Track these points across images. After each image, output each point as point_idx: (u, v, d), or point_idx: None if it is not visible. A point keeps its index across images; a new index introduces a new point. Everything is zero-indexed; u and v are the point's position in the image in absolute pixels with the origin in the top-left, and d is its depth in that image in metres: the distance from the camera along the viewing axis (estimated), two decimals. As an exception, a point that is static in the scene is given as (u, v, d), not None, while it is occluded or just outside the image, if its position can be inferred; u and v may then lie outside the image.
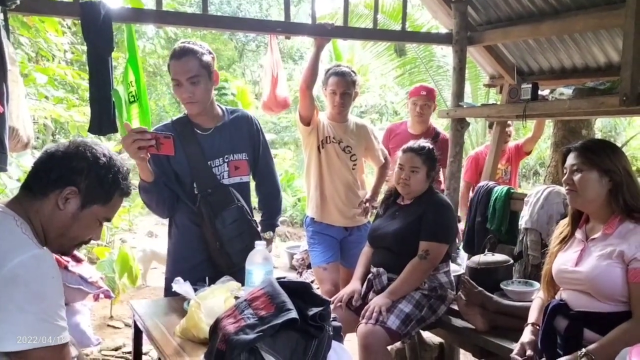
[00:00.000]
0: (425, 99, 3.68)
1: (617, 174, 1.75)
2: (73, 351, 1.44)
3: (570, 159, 1.84)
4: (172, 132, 2.20)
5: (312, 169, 3.18)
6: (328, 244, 3.17)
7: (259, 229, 2.41)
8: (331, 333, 1.49)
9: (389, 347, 2.49)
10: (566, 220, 1.94)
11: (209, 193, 2.27)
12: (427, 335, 3.15)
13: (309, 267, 5.24)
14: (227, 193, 2.29)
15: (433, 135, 3.72)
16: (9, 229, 1.29)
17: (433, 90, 3.81)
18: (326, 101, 3.20)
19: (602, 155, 1.78)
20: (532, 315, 1.99)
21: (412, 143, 2.65)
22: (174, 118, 2.40)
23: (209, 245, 2.28)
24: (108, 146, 1.76)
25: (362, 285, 2.63)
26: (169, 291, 2.37)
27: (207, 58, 2.23)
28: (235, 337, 1.36)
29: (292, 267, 5.78)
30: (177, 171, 2.27)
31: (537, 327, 1.91)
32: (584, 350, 1.64)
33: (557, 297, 1.89)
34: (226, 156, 2.32)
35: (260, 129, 2.47)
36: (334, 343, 1.52)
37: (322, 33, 3.16)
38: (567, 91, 2.74)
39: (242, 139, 2.38)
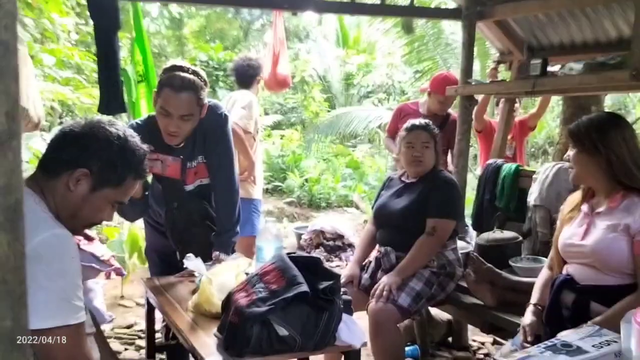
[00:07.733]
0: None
1: (601, 155, 1.75)
2: (87, 329, 1.46)
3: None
4: (148, 129, 2.11)
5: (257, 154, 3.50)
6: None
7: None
8: (341, 306, 1.51)
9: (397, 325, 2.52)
10: (579, 192, 1.94)
11: (175, 207, 2.26)
12: (436, 312, 3.17)
13: (317, 247, 5.27)
14: (191, 212, 2.26)
15: (444, 115, 3.68)
16: (28, 208, 1.29)
17: (452, 78, 3.62)
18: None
19: (584, 136, 1.80)
20: (534, 296, 1.96)
21: (415, 121, 2.64)
22: (151, 115, 2.26)
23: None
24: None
25: (360, 268, 2.63)
26: (152, 269, 2.51)
27: (204, 94, 2.11)
28: (248, 310, 1.39)
29: (300, 247, 5.80)
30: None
31: (539, 308, 1.90)
32: (589, 322, 1.66)
33: (563, 272, 1.90)
34: (187, 164, 2.25)
35: (222, 125, 2.28)
36: (344, 316, 1.55)
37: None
38: (577, 66, 2.70)
39: (200, 143, 2.25)
